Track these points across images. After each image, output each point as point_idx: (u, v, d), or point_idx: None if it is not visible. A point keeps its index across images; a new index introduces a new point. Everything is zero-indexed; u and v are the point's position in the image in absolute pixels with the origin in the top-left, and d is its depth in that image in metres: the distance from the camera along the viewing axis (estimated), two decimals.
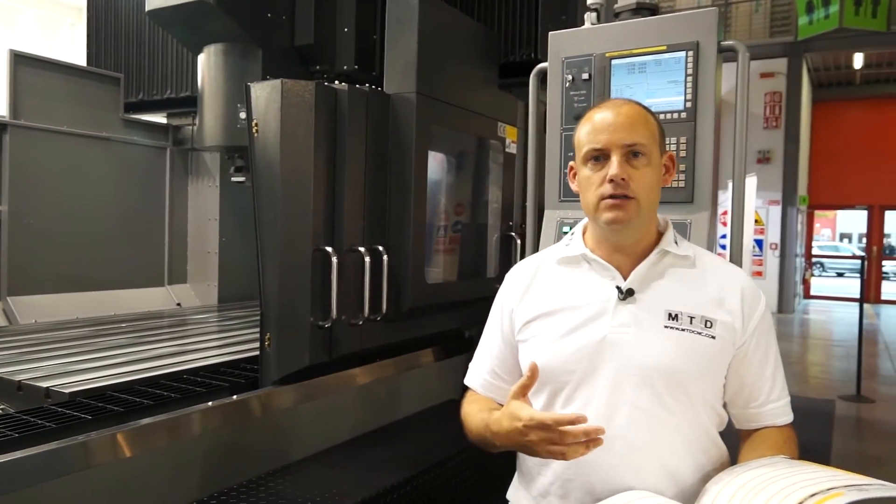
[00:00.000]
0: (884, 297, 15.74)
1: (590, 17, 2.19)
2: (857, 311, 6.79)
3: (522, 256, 2.56)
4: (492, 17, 3.50)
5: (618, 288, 1.30)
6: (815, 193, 15.24)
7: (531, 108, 2.35)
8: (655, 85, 2.01)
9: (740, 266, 1.93)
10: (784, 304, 12.88)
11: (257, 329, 2.42)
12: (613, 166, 1.26)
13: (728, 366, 1.31)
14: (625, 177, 1.25)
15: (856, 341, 6.80)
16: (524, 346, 1.38)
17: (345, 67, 3.23)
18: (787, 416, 1.35)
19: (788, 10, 13.09)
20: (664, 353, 1.26)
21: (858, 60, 13.58)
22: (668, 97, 1.99)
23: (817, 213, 18.77)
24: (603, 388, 1.26)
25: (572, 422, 1.11)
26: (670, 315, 1.28)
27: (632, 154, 1.27)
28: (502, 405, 1.33)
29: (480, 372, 1.48)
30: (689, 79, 1.95)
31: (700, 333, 1.27)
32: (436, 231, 3.08)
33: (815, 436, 5.10)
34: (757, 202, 12.29)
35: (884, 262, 16.57)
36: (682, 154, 1.96)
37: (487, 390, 1.46)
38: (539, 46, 3.32)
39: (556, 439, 1.12)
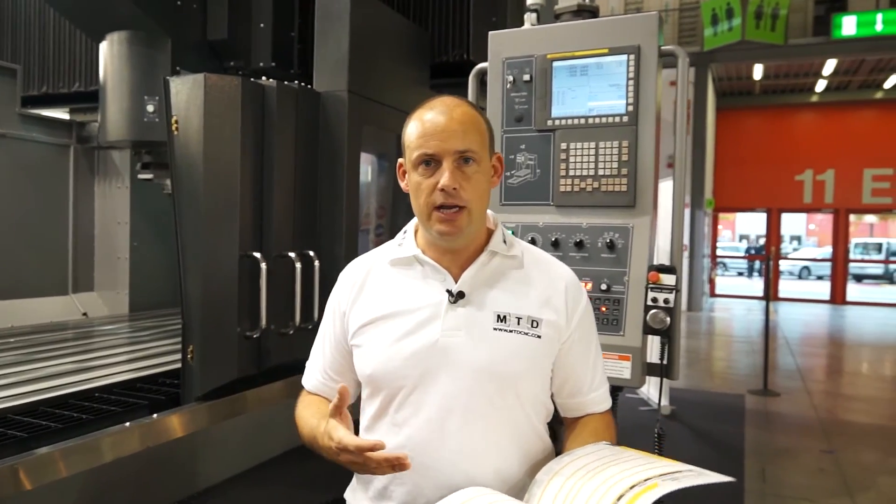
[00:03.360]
0: (781, 294, 16.76)
1: (529, 17, 2.16)
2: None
3: None
4: (423, 16, 3.43)
5: (448, 291, 1.31)
6: (720, 197, 16.05)
7: None
8: (597, 88, 1.99)
9: (679, 267, 1.95)
10: (693, 303, 13.47)
11: (175, 340, 2.25)
12: (445, 176, 1.24)
13: (554, 360, 1.35)
14: (456, 186, 1.24)
15: (758, 337, 7.15)
16: (358, 350, 1.37)
17: (261, 64, 3.08)
18: (607, 403, 1.43)
19: (695, 22, 13.73)
20: (493, 354, 1.28)
21: (758, 71, 14.40)
22: (610, 100, 1.98)
23: (721, 215, 19.74)
24: (435, 392, 1.27)
25: (373, 448, 1.14)
26: (499, 317, 1.31)
27: (463, 160, 1.26)
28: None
29: (314, 373, 1.47)
30: (631, 83, 1.94)
31: (527, 334, 1.30)
32: (371, 235, 2.98)
33: (728, 429, 5.32)
34: (667, 204, 12.79)
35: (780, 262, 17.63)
36: (625, 158, 1.95)
37: (320, 390, 1.46)
38: (471, 47, 3.28)
39: (361, 462, 1.15)
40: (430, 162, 1.26)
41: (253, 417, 2.34)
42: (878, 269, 21.61)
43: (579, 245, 1.96)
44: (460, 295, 1.30)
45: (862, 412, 6.12)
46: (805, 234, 30.77)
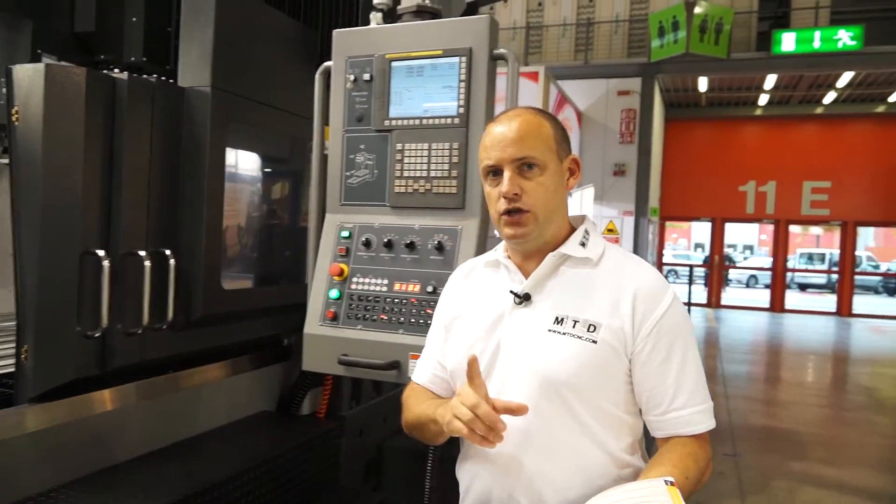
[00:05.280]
0: (725, 301, 17.12)
1: (375, 17, 2.15)
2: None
3: None
4: (314, 16, 3.39)
5: (513, 293, 1.34)
6: (666, 205, 16.35)
7: (316, 108, 2.27)
8: (432, 89, 1.98)
9: None
10: None
11: None
12: (504, 183, 1.30)
13: (628, 371, 1.32)
14: (517, 192, 1.29)
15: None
16: (444, 345, 1.47)
17: (132, 59, 3.01)
18: (696, 426, 1.30)
19: (644, 33, 13.97)
20: (541, 358, 1.29)
21: (703, 84, 14.72)
22: (444, 102, 1.97)
23: (673, 223, 20.10)
24: (492, 395, 1.27)
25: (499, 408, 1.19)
26: (557, 319, 1.31)
27: (525, 166, 1.31)
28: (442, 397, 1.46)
29: (426, 366, 1.53)
30: (463, 84, 1.94)
31: (581, 337, 1.29)
32: (240, 233, 2.93)
33: None
34: (612, 212, 13.00)
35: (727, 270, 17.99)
36: (455, 160, 1.95)
37: (432, 382, 1.51)
38: None
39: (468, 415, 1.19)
40: (495, 172, 1.33)
41: (94, 421, 2.27)
42: (821, 279, 22.23)
43: (410, 246, 1.95)
44: (526, 297, 1.34)
45: (774, 417, 6.27)
46: (757, 243, 31.54)
